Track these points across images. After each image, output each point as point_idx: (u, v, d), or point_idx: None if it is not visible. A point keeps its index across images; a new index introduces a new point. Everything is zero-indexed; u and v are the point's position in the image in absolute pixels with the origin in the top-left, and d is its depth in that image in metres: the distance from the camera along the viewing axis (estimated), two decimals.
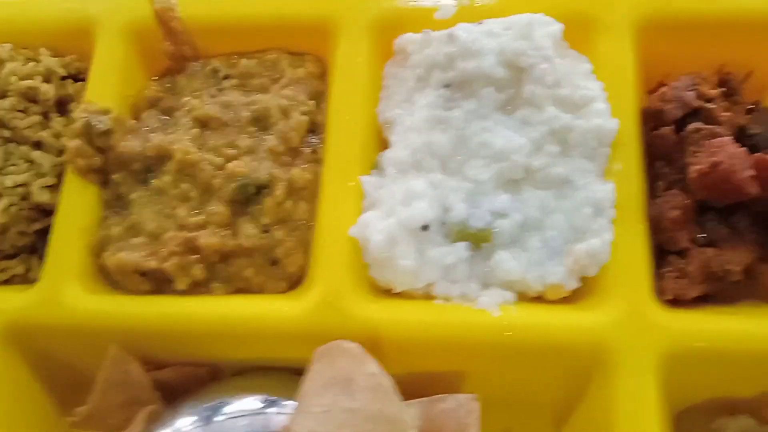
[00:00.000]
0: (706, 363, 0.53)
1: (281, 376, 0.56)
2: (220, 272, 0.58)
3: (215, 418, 0.53)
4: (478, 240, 0.56)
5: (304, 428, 0.43)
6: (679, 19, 0.62)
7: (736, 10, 0.62)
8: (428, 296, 0.56)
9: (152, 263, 0.57)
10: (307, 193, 0.60)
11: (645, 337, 0.52)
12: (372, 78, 0.63)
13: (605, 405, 0.52)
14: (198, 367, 0.58)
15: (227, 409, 0.54)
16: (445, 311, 0.55)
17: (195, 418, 0.54)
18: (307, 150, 0.61)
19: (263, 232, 0.58)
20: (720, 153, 0.54)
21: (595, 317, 0.53)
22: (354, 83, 0.62)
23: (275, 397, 0.53)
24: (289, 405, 0.51)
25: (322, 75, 0.65)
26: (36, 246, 0.62)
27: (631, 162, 0.57)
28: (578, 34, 0.62)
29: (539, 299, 0.56)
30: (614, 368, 0.52)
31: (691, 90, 0.58)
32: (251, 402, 0.54)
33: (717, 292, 0.56)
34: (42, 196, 0.60)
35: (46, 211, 0.61)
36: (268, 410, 0.52)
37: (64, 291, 0.57)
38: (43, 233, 0.61)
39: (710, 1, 0.62)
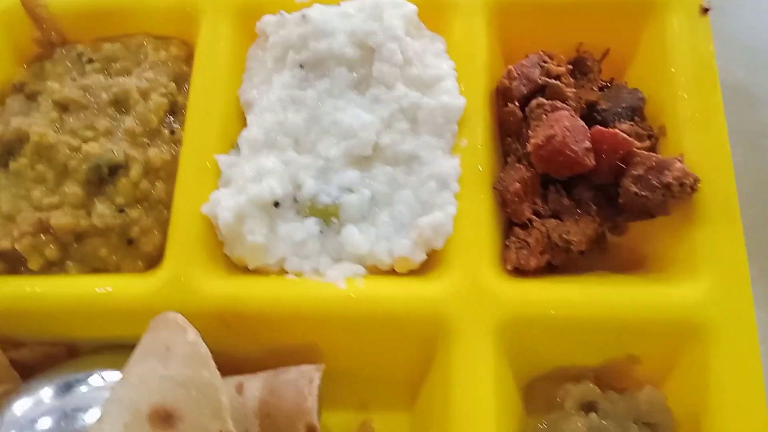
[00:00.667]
0: (547, 331, 0.54)
1: None
2: (74, 252, 0.58)
3: (67, 392, 0.54)
4: (327, 215, 0.57)
5: (120, 395, 0.43)
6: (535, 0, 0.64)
7: None
8: (282, 272, 0.57)
9: (5, 244, 0.57)
10: (165, 173, 0.60)
11: (483, 306, 0.54)
12: (236, 61, 0.64)
13: (446, 374, 0.53)
14: (54, 345, 0.58)
15: (79, 384, 0.55)
16: (292, 285, 0.56)
17: (49, 391, 0.54)
18: (167, 131, 0.62)
19: (119, 212, 0.59)
20: (556, 126, 0.55)
21: (437, 288, 0.55)
22: (217, 66, 0.63)
23: None
24: None
25: (188, 58, 0.66)
26: None
27: (477, 138, 0.58)
28: (435, 15, 0.63)
29: (390, 273, 0.58)
30: (454, 338, 0.53)
31: (537, 67, 0.60)
32: (100, 378, 0.55)
33: (565, 263, 0.58)
34: None
35: None
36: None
37: None
38: None
39: None
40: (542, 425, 0.55)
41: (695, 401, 0.52)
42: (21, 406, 0.55)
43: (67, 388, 0.55)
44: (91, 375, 0.55)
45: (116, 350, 0.58)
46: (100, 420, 0.43)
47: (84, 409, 0.53)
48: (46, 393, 0.55)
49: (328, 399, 0.55)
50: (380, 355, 0.58)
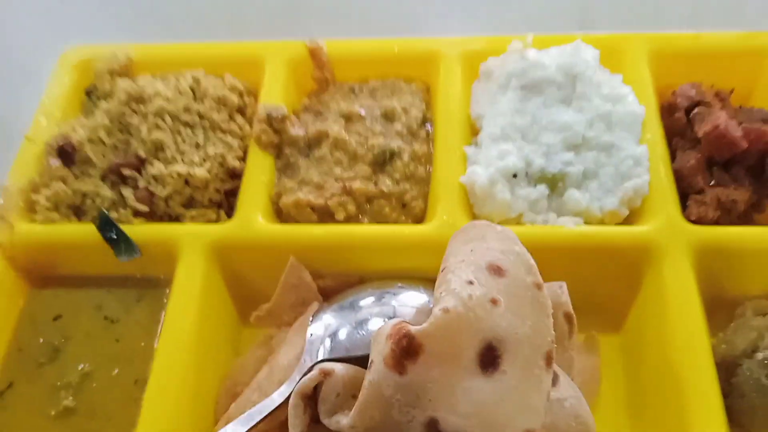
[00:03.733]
0: (726, 259, 0.73)
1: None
2: (366, 210, 0.80)
3: (357, 309, 0.72)
4: (553, 182, 0.78)
5: (462, 259, 0.62)
6: (680, 51, 0.89)
7: (720, 44, 0.89)
8: (519, 224, 0.78)
9: (320, 201, 0.79)
10: (425, 160, 0.83)
11: (680, 240, 0.73)
12: (465, 91, 0.88)
13: (658, 294, 0.71)
14: (348, 276, 0.77)
15: (365, 302, 0.73)
16: (532, 228, 0.76)
17: (346, 308, 0.73)
18: (423, 133, 0.86)
19: (396, 184, 0.81)
20: (718, 120, 0.78)
21: (643, 229, 0.74)
22: (453, 94, 0.87)
23: None
24: None
25: (428, 91, 0.91)
26: (222, 203, 0.84)
27: (656, 135, 0.81)
28: (611, 59, 0.88)
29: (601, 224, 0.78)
30: (661, 264, 0.72)
31: (692, 89, 0.84)
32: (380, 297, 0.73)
33: (729, 223, 0.78)
34: (234, 163, 0.83)
35: (235, 177, 0.84)
36: None
37: (253, 222, 0.78)
38: (229, 194, 0.84)
39: (699, 38, 0.89)
40: (723, 335, 0.72)
41: None
42: (326, 320, 0.73)
43: (356, 306, 0.73)
44: (373, 295, 0.74)
45: (390, 281, 0.76)
46: (458, 271, 0.62)
47: (368, 321, 0.71)
48: (343, 309, 0.73)
49: None
50: (594, 284, 0.75)
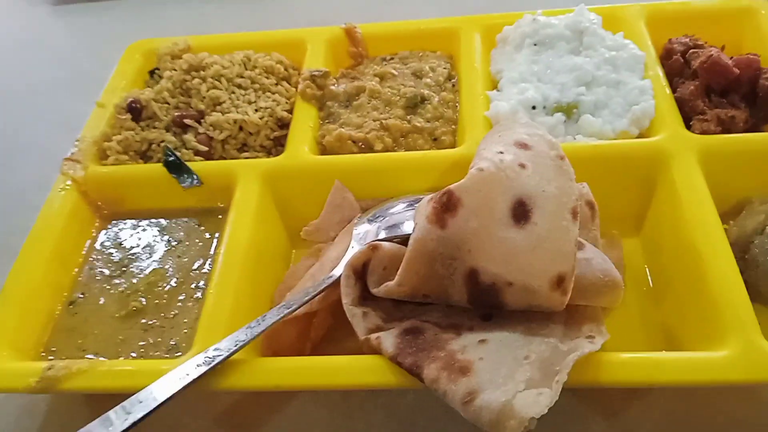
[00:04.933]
0: (730, 162, 0.80)
1: None
2: (402, 143, 0.89)
3: (389, 215, 0.80)
4: (569, 110, 0.88)
5: (484, 146, 0.71)
6: (671, 15, 1.01)
7: (706, 7, 1.01)
8: None
9: (360, 134, 0.88)
10: (452, 104, 0.93)
11: (688, 147, 0.80)
12: (485, 55, 1.00)
13: (671, 195, 0.78)
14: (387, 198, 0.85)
15: (396, 209, 0.80)
16: None
17: (380, 216, 0.80)
18: (449, 85, 0.96)
19: (427, 122, 0.90)
20: (711, 52, 0.88)
21: (653, 140, 0.83)
22: (473, 55, 0.99)
23: None
24: None
25: (452, 58, 1.02)
26: (272, 150, 0.94)
27: (657, 73, 0.91)
28: (611, 25, 1.00)
29: None
30: (671, 169, 0.79)
31: (687, 38, 0.95)
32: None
33: None
34: (282, 113, 0.94)
35: (283, 126, 0.94)
36: None
37: (301, 154, 0.87)
38: (278, 143, 0.94)
39: (688, 4, 1.01)
40: (734, 222, 0.78)
41: None
42: (367, 225, 0.80)
43: (394, 210, 0.80)
44: (407, 201, 0.81)
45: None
46: (490, 147, 0.70)
47: (403, 222, 0.78)
48: (383, 212, 0.80)
49: None
50: (613, 193, 0.81)
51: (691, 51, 0.92)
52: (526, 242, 0.65)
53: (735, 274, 0.70)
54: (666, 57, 0.95)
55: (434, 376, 0.61)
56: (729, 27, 0.99)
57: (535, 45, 0.96)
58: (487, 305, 0.67)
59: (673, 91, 0.90)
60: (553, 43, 0.96)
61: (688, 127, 0.85)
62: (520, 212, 0.65)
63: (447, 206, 0.65)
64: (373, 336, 0.67)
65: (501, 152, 0.68)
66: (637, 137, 0.86)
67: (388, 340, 0.66)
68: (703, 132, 0.84)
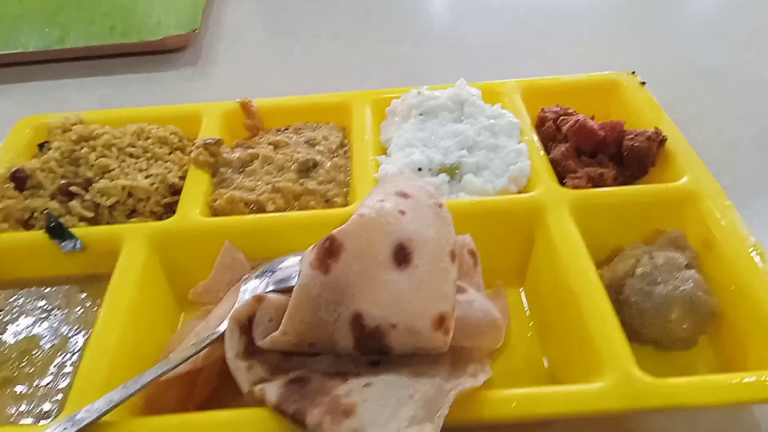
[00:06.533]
0: (600, 214, 0.86)
1: None
2: (294, 206, 0.90)
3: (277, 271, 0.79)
4: (452, 170, 0.92)
5: (369, 201, 0.73)
6: (544, 90, 1.10)
7: (575, 83, 1.11)
8: None
9: (252, 197, 0.89)
10: (343, 169, 0.96)
11: (561, 200, 0.86)
12: (375, 126, 1.05)
13: (548, 244, 0.82)
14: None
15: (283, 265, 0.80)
16: None
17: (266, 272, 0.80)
18: (342, 151, 1.00)
19: (319, 185, 0.93)
20: (578, 117, 0.96)
21: (529, 195, 0.88)
22: (364, 128, 1.04)
23: None
24: None
25: (344, 128, 1.07)
26: (163, 217, 0.93)
27: (532, 138, 0.98)
28: (489, 98, 1.08)
29: None
30: (547, 220, 0.84)
31: (558, 107, 1.03)
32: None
33: None
34: (174, 179, 0.94)
35: (175, 193, 0.94)
36: None
37: (190, 217, 0.87)
38: (168, 207, 0.93)
39: (558, 80, 1.11)
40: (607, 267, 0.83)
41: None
42: (255, 281, 0.79)
43: (282, 266, 0.80)
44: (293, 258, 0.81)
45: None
46: (371, 197, 0.72)
47: (292, 276, 0.77)
48: (271, 269, 0.80)
49: None
50: (495, 246, 0.84)
51: (561, 118, 1.00)
52: (407, 284, 0.66)
53: (609, 312, 0.73)
54: (540, 125, 1.03)
55: (317, 421, 0.60)
56: (596, 98, 1.10)
57: (420, 115, 1.02)
58: (373, 350, 0.67)
59: (548, 153, 0.97)
60: (437, 112, 1.02)
61: (563, 185, 0.92)
62: (401, 255, 0.67)
63: (330, 251, 0.66)
64: (257, 387, 0.65)
65: (382, 200, 0.71)
66: (515, 194, 0.91)
67: (273, 390, 0.64)
68: (576, 187, 0.90)
